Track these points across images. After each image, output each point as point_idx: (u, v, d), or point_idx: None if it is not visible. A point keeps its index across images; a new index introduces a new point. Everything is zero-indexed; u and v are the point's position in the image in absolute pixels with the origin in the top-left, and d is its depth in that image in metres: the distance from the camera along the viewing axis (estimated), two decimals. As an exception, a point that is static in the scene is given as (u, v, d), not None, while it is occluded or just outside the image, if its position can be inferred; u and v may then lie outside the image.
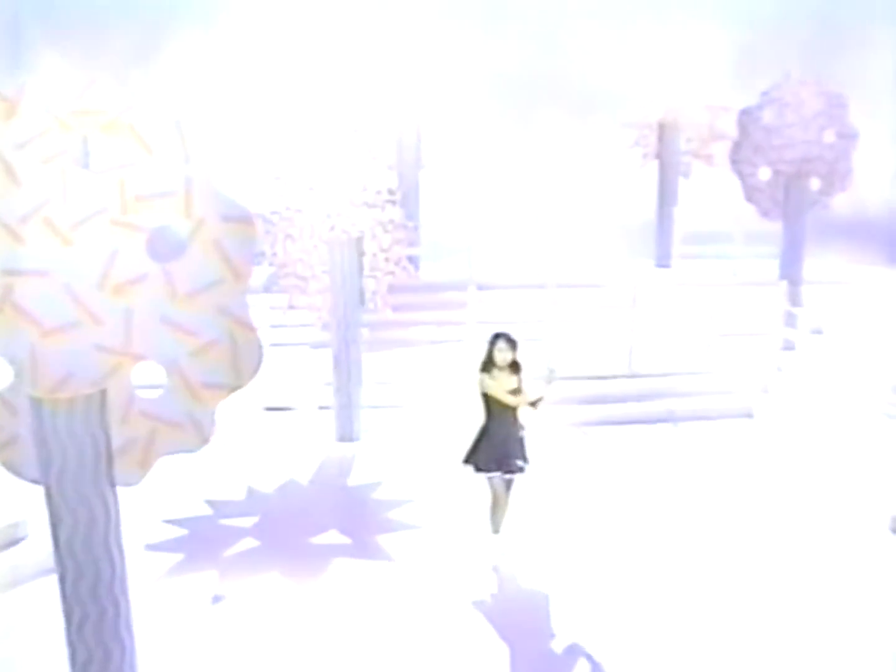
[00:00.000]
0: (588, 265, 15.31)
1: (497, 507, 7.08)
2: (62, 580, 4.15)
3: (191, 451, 4.06)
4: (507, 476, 6.95)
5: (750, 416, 11.08)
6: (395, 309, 10.88)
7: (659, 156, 15.29)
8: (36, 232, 3.83)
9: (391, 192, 9.87)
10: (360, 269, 10.05)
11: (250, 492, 8.65)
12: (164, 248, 3.83)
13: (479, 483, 7.12)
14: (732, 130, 15.12)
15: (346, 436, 10.18)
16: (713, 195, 15.46)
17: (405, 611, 6.42)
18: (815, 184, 12.05)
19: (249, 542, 7.59)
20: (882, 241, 16.47)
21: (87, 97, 3.79)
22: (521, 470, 6.93)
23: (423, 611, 6.41)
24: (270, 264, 9.95)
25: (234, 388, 3.99)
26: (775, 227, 13.92)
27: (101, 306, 3.89)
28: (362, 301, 10.22)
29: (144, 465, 4.05)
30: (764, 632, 6.15)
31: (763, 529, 7.78)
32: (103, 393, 3.99)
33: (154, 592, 6.44)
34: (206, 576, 6.93)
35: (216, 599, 6.59)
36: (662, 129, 15.07)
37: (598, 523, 7.86)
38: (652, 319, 12.43)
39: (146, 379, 4.29)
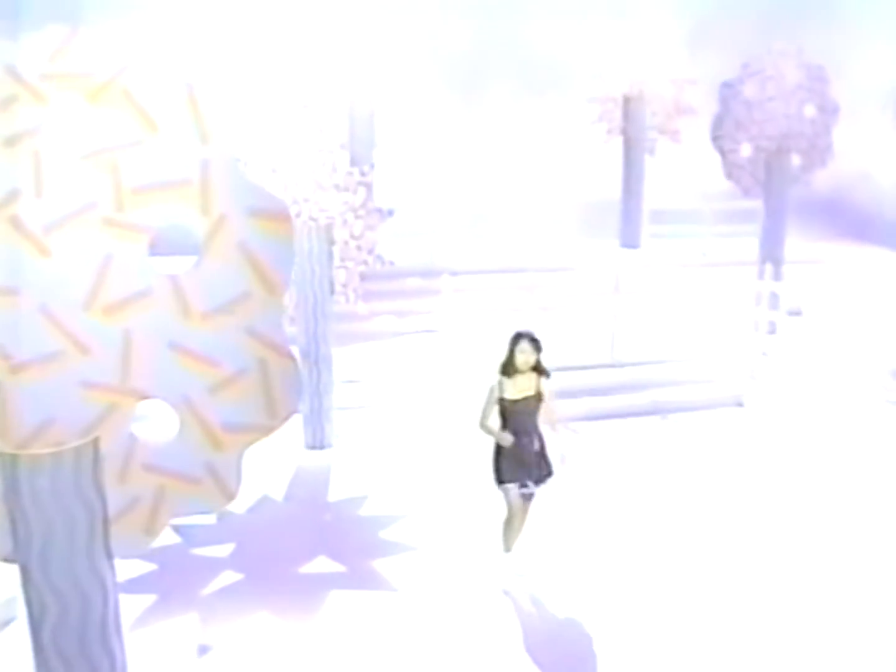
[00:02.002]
0: (552, 248, 14.66)
1: (512, 524, 6.37)
2: (46, 683, 3.24)
3: (210, 511, 3.18)
4: (525, 490, 6.24)
5: (740, 404, 10.61)
6: (364, 299, 10.01)
7: (624, 131, 14.67)
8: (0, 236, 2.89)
9: (363, 174, 8.96)
10: (330, 258, 9.12)
11: (220, 513, 7.68)
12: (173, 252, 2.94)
13: (475, 493, 6.45)
14: (698, 104, 14.65)
15: (317, 443, 9.27)
16: (679, 172, 14.94)
17: (419, 649, 5.64)
18: (795, 160, 11.60)
19: (230, 576, 6.67)
20: (846, 217, 16.27)
21: (66, 55, 2.84)
22: (543, 482, 6.26)
23: (438, 647, 5.65)
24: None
25: (265, 431, 3.13)
26: (744, 204, 13.53)
27: (90, 331, 2.98)
28: (332, 293, 9.30)
29: (151, 530, 3.16)
30: (769, 628, 5.79)
31: (768, 525, 7.33)
32: (96, 443, 3.07)
33: (128, 645, 5.50)
34: (185, 621, 6.01)
35: (203, 650, 5.69)
36: (627, 103, 14.44)
37: (604, 532, 7.24)
38: (631, 304, 11.84)
39: (151, 423, 3.38)
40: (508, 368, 6.04)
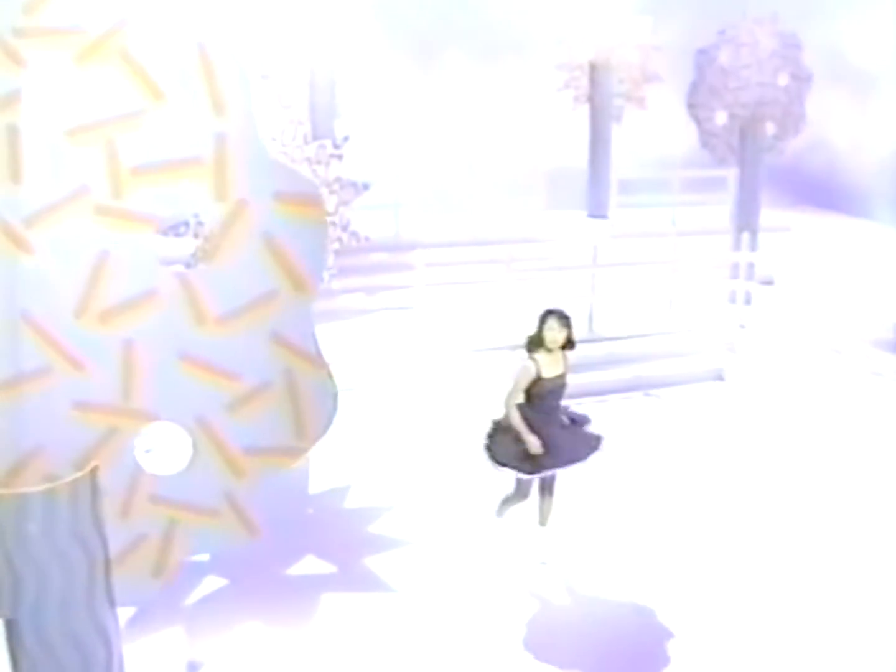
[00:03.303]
0: (521, 219, 14.30)
1: (512, 502, 6.12)
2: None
3: (232, 546, 2.73)
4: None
5: (721, 378, 10.42)
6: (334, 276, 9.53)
7: (590, 99, 14.26)
8: (-30, 229, 2.37)
9: (336, 146, 8.44)
10: (302, 235, 8.60)
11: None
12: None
13: (464, 478, 6.17)
14: (664, 71, 14.44)
15: (291, 429, 8.80)
16: (646, 140, 14.65)
17: (424, 655, 5.27)
18: (769, 128, 11.40)
19: (214, 582, 6.17)
20: (804, 184, 16.28)
21: (47, 6, 2.31)
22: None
23: (445, 652, 5.29)
24: (195, 235, 8.30)
25: (294, 454, 2.68)
26: (711, 172, 13.39)
27: (83, 342, 2.50)
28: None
29: (160, 572, 2.71)
30: (758, 602, 5.53)
31: (754, 500, 7.14)
32: (94, 474, 2.59)
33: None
34: (170, 634, 5.52)
35: (192, 668, 5.23)
36: (594, 70, 14.02)
37: (588, 509, 6.97)
38: (606, 276, 11.55)
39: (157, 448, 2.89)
40: (533, 346, 5.75)
